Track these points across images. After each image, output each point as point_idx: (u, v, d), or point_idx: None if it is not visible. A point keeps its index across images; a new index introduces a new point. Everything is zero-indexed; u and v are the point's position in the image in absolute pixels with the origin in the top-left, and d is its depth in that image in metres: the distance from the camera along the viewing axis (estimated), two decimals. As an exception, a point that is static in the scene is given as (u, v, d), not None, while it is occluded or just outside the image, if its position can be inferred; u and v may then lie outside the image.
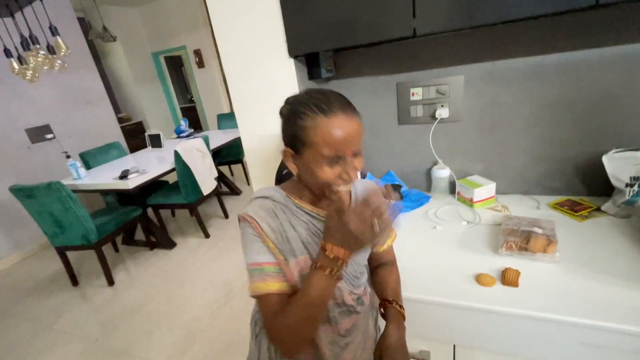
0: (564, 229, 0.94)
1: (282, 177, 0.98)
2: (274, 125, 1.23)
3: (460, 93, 1.14)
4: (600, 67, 0.98)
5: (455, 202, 1.21)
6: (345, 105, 0.59)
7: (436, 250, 0.96)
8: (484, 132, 1.18)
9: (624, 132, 1.01)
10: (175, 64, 6.39)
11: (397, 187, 1.26)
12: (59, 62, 2.11)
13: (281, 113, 0.64)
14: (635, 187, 0.92)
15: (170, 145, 3.44)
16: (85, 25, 4.54)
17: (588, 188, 1.11)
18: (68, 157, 2.72)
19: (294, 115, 0.59)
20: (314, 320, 0.60)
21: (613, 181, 0.97)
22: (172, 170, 2.81)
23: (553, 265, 0.82)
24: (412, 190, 1.32)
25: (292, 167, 0.64)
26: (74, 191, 2.33)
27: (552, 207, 1.08)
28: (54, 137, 3.44)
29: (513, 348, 0.76)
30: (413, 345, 0.86)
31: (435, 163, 1.26)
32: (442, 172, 1.22)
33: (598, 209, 1.02)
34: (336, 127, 0.55)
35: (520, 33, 1.01)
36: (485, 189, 1.13)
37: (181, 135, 3.96)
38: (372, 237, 0.55)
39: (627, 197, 0.94)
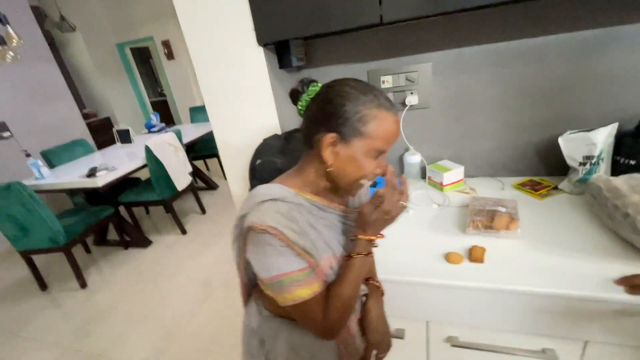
0: (525, 207, 0.99)
1: (255, 167, 0.98)
2: (246, 117, 1.22)
3: (429, 80, 1.17)
4: (556, 53, 1.03)
5: (427, 186, 1.25)
6: (393, 105, 0.61)
7: (409, 233, 0.99)
8: (451, 118, 1.22)
9: (578, 115, 1.08)
10: (143, 56, 6.10)
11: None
12: (11, 53, 1.96)
13: (318, 94, 0.61)
14: (587, 166, 0.99)
15: (141, 140, 3.31)
16: (40, 15, 4.24)
17: (548, 168, 1.18)
18: (28, 155, 2.56)
19: (355, 104, 0.56)
20: (356, 298, 0.65)
21: (568, 161, 1.04)
22: (144, 166, 2.72)
23: (515, 241, 0.87)
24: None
25: (329, 156, 0.59)
26: (37, 192, 2.20)
27: (515, 188, 1.14)
28: (11, 136, 3.22)
29: (480, 320, 0.81)
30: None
31: (407, 149, 1.29)
32: (414, 158, 1.26)
33: (556, 188, 1.08)
34: (396, 125, 0.59)
35: (483, 20, 1.05)
36: (453, 173, 1.18)
37: (152, 130, 3.82)
38: (398, 215, 0.64)
39: (580, 175, 1.01)
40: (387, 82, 1.22)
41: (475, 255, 0.82)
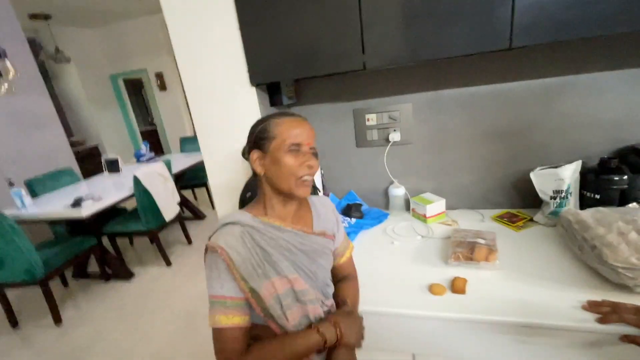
0: (503, 239, 1.05)
1: (245, 199, 1.01)
2: (238, 151, 1.26)
3: (410, 118, 1.26)
4: (522, 96, 1.14)
5: (411, 218, 1.30)
6: (301, 116, 0.74)
7: (394, 264, 1.02)
8: (433, 153, 1.29)
9: (546, 151, 1.17)
10: (135, 87, 6.22)
11: (358, 206, 1.33)
12: (6, 85, 1.99)
13: (250, 132, 0.75)
14: (558, 199, 1.06)
15: (129, 170, 3.29)
16: (35, 46, 4.33)
17: (524, 201, 1.25)
18: (11, 184, 2.51)
19: (261, 123, 0.72)
20: None
21: (540, 195, 1.11)
22: (131, 196, 2.69)
23: (495, 272, 0.91)
24: (372, 208, 1.39)
25: (259, 168, 0.71)
26: (18, 222, 2.15)
27: (494, 220, 1.20)
28: (-6, 164, 3.16)
29: (466, 352, 0.83)
30: (374, 357, 0.90)
31: (392, 182, 1.35)
32: (398, 191, 1.31)
33: (531, 220, 1.15)
34: (296, 122, 0.70)
35: (457, 67, 1.16)
36: (436, 205, 1.23)
37: (141, 159, 3.82)
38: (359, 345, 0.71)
39: (552, 208, 1.08)
40: (371, 119, 1.30)
41: (457, 286, 0.85)
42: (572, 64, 1.06)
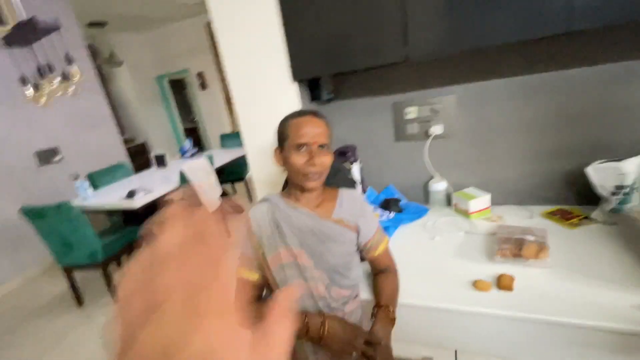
0: (555, 237, 0.99)
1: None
2: (279, 144, 1.31)
3: (453, 111, 1.22)
4: (578, 85, 1.06)
5: (452, 214, 1.27)
6: (313, 112, 0.80)
7: (435, 259, 1.01)
8: (476, 147, 1.25)
9: (604, 144, 1.08)
10: (178, 86, 6.59)
11: (396, 200, 1.32)
12: (72, 87, 2.22)
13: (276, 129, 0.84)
14: (620, 196, 0.98)
15: (175, 165, 3.51)
16: (93, 51, 4.74)
17: (577, 197, 1.17)
18: (76, 178, 2.80)
19: (281, 124, 0.81)
20: None
21: (599, 190, 1.03)
22: (178, 189, 2.87)
23: (545, 270, 0.87)
24: (411, 203, 1.38)
25: (279, 162, 0.82)
26: (82, 211, 2.39)
27: (544, 216, 1.13)
28: (61, 159, 3.53)
29: (510, 351, 0.80)
30: (415, 351, 0.90)
31: (432, 177, 1.33)
32: (439, 186, 1.28)
33: (587, 217, 1.07)
34: (303, 122, 0.76)
35: (505, 56, 1.10)
36: (480, 200, 1.19)
37: (185, 154, 4.05)
38: (347, 354, 0.71)
39: (613, 205, 1.00)
40: (411, 113, 1.28)
41: (504, 283, 0.82)
42: (636, 49, 0.97)
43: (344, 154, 1.27)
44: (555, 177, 1.18)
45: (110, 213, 3.06)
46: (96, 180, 3.24)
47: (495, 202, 1.25)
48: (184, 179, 2.76)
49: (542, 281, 0.83)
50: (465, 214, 1.21)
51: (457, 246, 1.05)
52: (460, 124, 1.24)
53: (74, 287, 2.60)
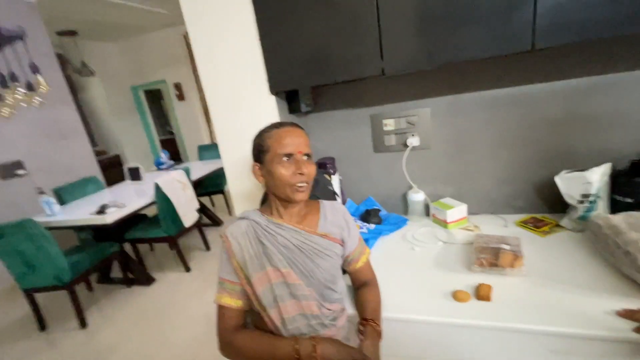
0: (529, 245, 1.02)
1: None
2: (257, 156, 1.29)
3: (428, 123, 1.25)
4: (545, 99, 1.11)
5: (431, 224, 1.28)
6: (292, 123, 0.79)
7: (415, 270, 1.01)
8: (452, 157, 1.28)
9: (571, 154, 1.14)
10: (154, 97, 6.43)
11: (376, 211, 1.32)
12: (37, 98, 2.11)
13: (252, 143, 0.81)
14: (586, 204, 1.03)
15: (150, 178, 3.39)
16: (63, 61, 4.56)
17: (548, 206, 1.22)
18: (41, 193, 2.63)
19: (257, 138, 0.79)
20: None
21: (567, 199, 1.07)
22: (152, 203, 2.77)
23: (521, 279, 0.88)
24: (391, 214, 1.38)
25: (260, 179, 0.78)
26: (48, 228, 2.24)
27: (518, 225, 1.17)
28: (26, 173, 3.32)
29: (491, 361, 0.80)
30: (398, 365, 0.88)
31: (410, 187, 1.34)
32: (417, 196, 1.30)
33: (558, 225, 1.11)
34: (284, 133, 0.75)
35: (475, 70, 1.14)
36: (457, 210, 1.21)
37: (161, 167, 3.93)
38: None
39: (580, 213, 1.04)
40: (389, 125, 1.30)
41: (482, 293, 0.83)
42: (597, 64, 1.03)
43: (324, 166, 1.26)
44: (527, 186, 1.23)
45: (80, 230, 2.90)
46: (64, 195, 3.07)
47: (471, 211, 1.28)
48: (159, 193, 2.66)
49: (519, 290, 0.85)
50: (443, 224, 1.23)
51: (436, 256, 1.06)
52: (435, 135, 1.27)
53: (36, 311, 2.42)
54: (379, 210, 1.35)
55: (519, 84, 1.12)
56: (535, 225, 1.13)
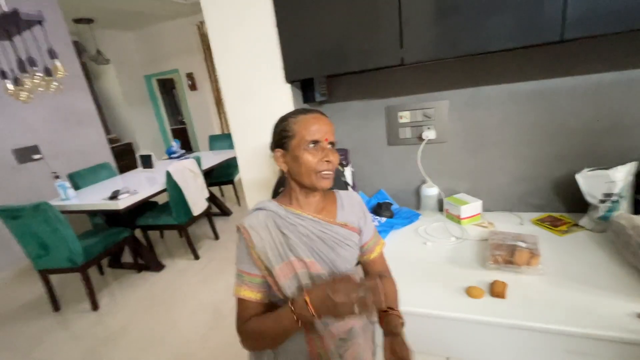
0: (546, 243, 0.99)
1: (278, 193, 1.02)
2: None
3: (446, 116, 1.22)
4: (569, 94, 1.07)
5: (444, 219, 1.26)
6: (318, 111, 0.76)
7: (427, 265, 0.99)
8: (468, 152, 1.25)
9: (595, 152, 1.10)
10: (166, 87, 6.47)
11: (387, 205, 1.31)
12: (55, 84, 2.14)
13: (273, 129, 0.78)
14: (608, 203, 0.99)
15: (162, 166, 3.43)
16: (79, 48, 4.61)
17: (567, 205, 1.18)
18: (57, 177, 2.69)
19: (282, 122, 0.75)
20: (273, 342, 0.71)
21: (588, 198, 1.04)
22: (163, 190, 2.80)
23: (537, 277, 0.86)
24: (403, 208, 1.37)
25: (283, 165, 0.76)
26: (62, 212, 2.29)
27: (534, 223, 1.14)
28: (42, 158, 3.40)
29: (502, 358, 0.79)
30: (408, 359, 0.87)
31: (424, 182, 1.32)
32: (431, 191, 1.28)
33: (576, 224, 1.08)
34: (312, 119, 0.72)
35: (498, 62, 1.11)
36: (471, 206, 1.19)
37: (172, 156, 3.97)
38: (348, 314, 0.60)
39: (601, 213, 1.01)
40: (404, 117, 1.27)
41: (497, 290, 0.81)
42: (627, 59, 0.99)
43: (336, 157, 1.25)
44: (545, 184, 1.19)
45: (93, 214, 2.96)
46: (78, 180, 3.12)
47: (485, 208, 1.25)
48: (170, 180, 2.69)
49: (535, 288, 0.83)
50: (457, 219, 1.21)
51: (449, 252, 1.04)
52: (452, 129, 1.24)
53: (50, 292, 2.48)
54: (390, 204, 1.34)
55: (544, 77, 1.09)
56: (552, 224, 1.10)
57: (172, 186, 2.71)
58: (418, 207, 1.37)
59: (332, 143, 0.74)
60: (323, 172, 0.72)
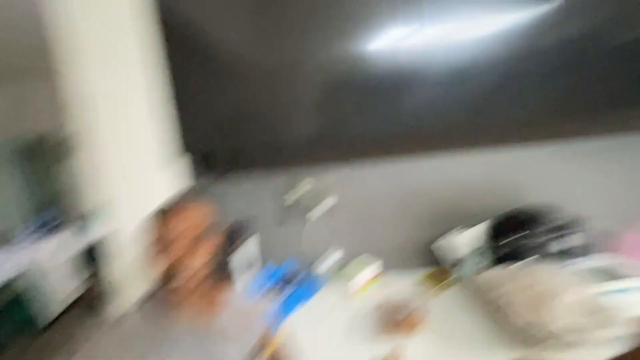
0: (432, 302, 1.11)
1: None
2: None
3: (343, 185, 1.36)
4: (427, 171, 1.32)
5: (343, 289, 1.28)
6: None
7: (329, 342, 1.01)
8: (364, 218, 1.38)
9: (461, 214, 1.32)
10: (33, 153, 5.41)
11: (293, 275, 1.31)
12: None
13: None
14: (462, 265, 1.19)
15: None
16: None
17: (445, 261, 1.34)
18: None
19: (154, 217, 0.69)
20: None
21: (451, 259, 1.23)
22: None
23: (426, 340, 0.95)
24: (305, 278, 1.36)
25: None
26: None
27: (422, 281, 1.26)
28: None
29: None
30: None
31: (328, 247, 1.40)
32: (333, 256, 1.37)
33: (455, 280, 1.22)
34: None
35: (369, 145, 1.28)
36: (368, 272, 1.28)
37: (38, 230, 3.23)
38: None
39: (464, 270, 1.20)
40: (307, 185, 1.36)
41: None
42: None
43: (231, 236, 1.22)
44: (430, 242, 1.35)
45: None
46: None
47: (386, 266, 1.36)
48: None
49: (425, 352, 0.91)
50: (353, 289, 1.25)
51: (348, 326, 1.07)
52: (349, 197, 1.37)
53: None
54: (295, 274, 1.33)
55: (403, 158, 1.31)
56: (438, 278, 1.23)
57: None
58: (321, 274, 1.39)
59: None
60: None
